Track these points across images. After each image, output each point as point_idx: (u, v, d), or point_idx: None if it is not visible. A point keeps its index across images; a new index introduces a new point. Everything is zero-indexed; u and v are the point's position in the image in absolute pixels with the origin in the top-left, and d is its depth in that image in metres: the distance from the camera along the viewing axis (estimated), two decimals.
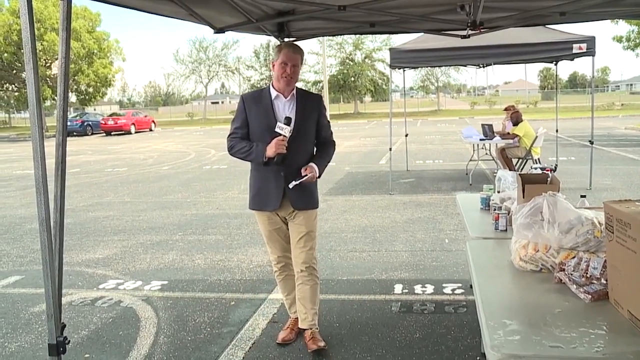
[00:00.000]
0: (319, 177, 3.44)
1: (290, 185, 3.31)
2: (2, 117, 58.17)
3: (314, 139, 3.50)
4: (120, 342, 3.85)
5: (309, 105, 3.44)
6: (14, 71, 37.61)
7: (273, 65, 3.36)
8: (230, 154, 3.44)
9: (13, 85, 40.14)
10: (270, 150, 3.22)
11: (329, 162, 3.55)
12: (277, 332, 3.80)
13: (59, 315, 2.54)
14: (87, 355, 3.65)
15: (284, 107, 3.37)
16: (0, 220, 8.32)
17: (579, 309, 1.97)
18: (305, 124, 3.40)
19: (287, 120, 3.24)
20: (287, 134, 3.22)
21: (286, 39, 4.76)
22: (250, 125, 3.39)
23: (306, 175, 3.31)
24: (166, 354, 3.63)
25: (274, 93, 3.38)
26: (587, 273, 2.16)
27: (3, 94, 46.41)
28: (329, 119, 3.67)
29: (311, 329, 3.58)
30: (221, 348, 3.69)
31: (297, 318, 3.71)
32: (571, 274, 2.19)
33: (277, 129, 3.23)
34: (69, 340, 2.60)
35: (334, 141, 3.63)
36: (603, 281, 2.09)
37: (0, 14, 35.71)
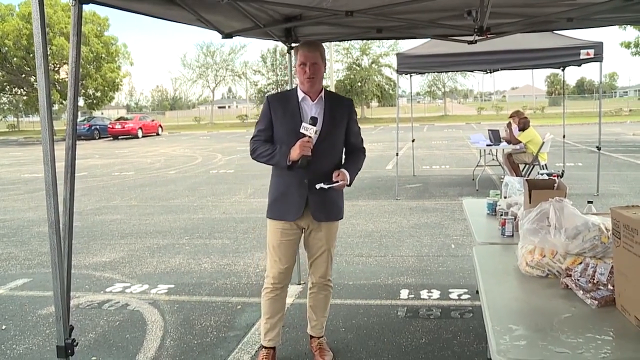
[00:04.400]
0: (349, 185, 3.22)
1: (317, 187, 3.07)
2: (10, 121, 58.58)
3: (342, 145, 3.28)
4: (127, 345, 3.87)
5: (339, 109, 3.23)
6: (23, 75, 37.89)
7: (297, 70, 3.19)
8: (253, 158, 3.24)
9: (22, 90, 40.42)
10: (295, 152, 3.02)
11: (359, 170, 3.32)
12: (284, 335, 3.79)
13: (68, 317, 2.55)
14: (94, 358, 3.66)
15: (311, 110, 3.16)
16: (8, 223, 8.38)
17: (585, 315, 1.97)
18: (333, 128, 3.18)
19: (313, 121, 3.05)
20: (313, 135, 3.02)
21: (293, 44, 4.78)
22: (275, 128, 3.19)
23: (337, 181, 3.09)
24: (172, 357, 3.64)
25: (300, 95, 3.18)
26: (593, 279, 2.16)
27: (12, 98, 46.75)
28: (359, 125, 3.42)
29: (319, 338, 3.55)
30: (227, 352, 3.70)
31: (271, 348, 3.45)
32: (578, 280, 2.18)
33: (302, 130, 3.03)
34: (77, 342, 2.61)
35: (364, 148, 3.41)
36: (610, 287, 2.09)
37: (10, 18, 36.01)
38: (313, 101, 3.18)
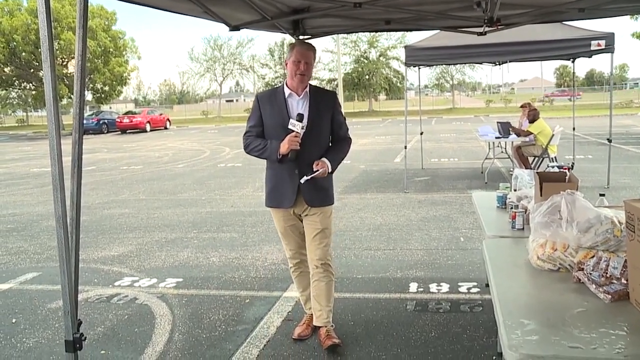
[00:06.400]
0: (332, 172, 3.44)
1: (302, 180, 3.32)
2: (19, 116, 58.89)
3: (328, 136, 3.52)
4: (135, 338, 3.88)
5: (323, 102, 3.47)
6: (32, 70, 38.05)
7: (286, 64, 3.40)
8: (246, 152, 3.50)
9: (31, 84, 40.61)
10: (284, 147, 3.27)
11: (342, 158, 3.55)
12: (291, 330, 3.81)
13: (76, 311, 2.55)
14: (103, 352, 3.67)
15: (297, 105, 3.41)
16: (17, 218, 8.42)
17: (598, 309, 1.94)
18: (319, 121, 3.42)
19: (300, 117, 3.28)
20: (300, 131, 3.26)
21: (301, 37, 4.75)
22: (264, 123, 3.44)
23: (317, 170, 3.32)
24: (181, 351, 3.64)
25: (287, 91, 3.41)
26: (606, 273, 2.13)
27: (21, 93, 46.99)
28: (344, 115, 3.67)
29: (326, 326, 3.58)
30: (236, 345, 3.70)
31: (312, 314, 3.70)
32: (590, 274, 2.15)
33: (289, 126, 3.28)
34: (85, 337, 2.61)
35: (349, 138, 3.63)
36: (623, 281, 2.05)
37: (19, 13, 36.14)
38: (299, 96, 3.41)
